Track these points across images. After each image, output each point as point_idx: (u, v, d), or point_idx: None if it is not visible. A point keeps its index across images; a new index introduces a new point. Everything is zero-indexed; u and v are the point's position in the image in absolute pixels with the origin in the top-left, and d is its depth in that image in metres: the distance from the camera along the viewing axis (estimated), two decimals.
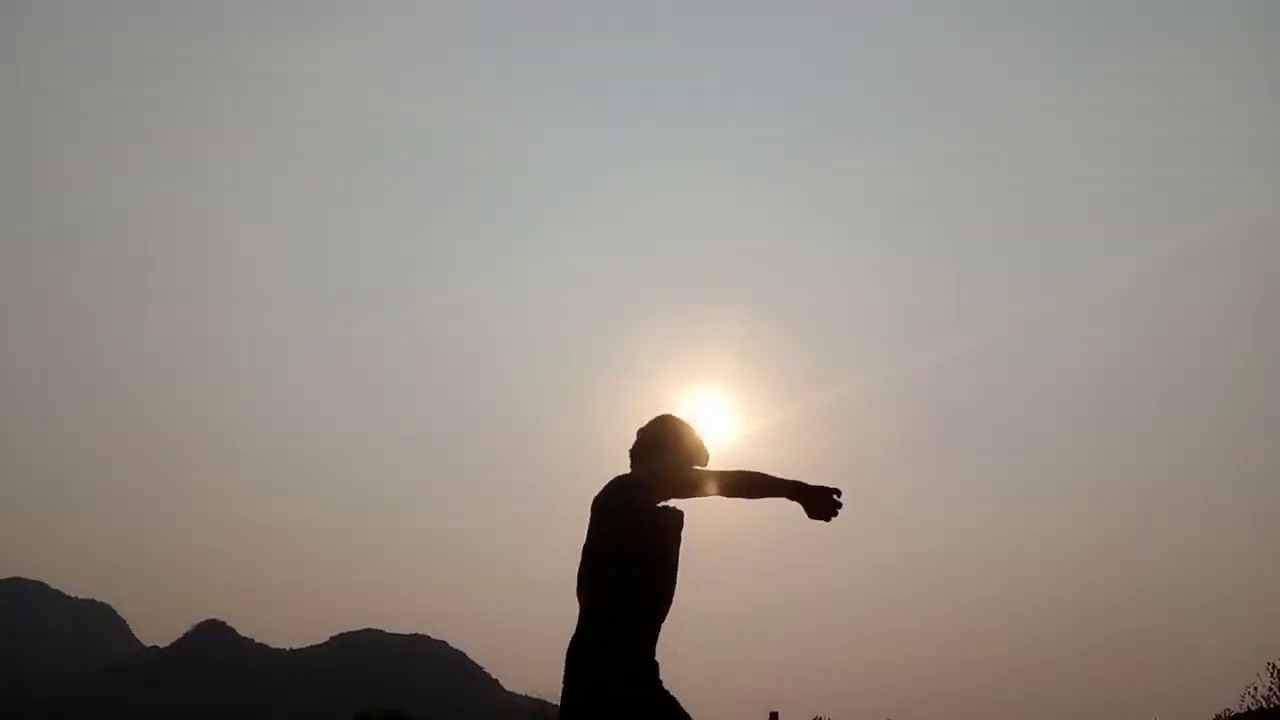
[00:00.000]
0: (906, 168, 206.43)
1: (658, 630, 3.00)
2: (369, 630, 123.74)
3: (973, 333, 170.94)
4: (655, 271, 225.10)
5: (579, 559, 3.01)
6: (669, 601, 3.03)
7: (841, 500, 2.95)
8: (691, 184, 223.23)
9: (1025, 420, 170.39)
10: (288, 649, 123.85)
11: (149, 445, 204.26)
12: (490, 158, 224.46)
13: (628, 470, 3.22)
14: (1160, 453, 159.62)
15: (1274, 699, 13.12)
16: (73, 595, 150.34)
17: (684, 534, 3.18)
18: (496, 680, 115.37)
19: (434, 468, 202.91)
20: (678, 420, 3.27)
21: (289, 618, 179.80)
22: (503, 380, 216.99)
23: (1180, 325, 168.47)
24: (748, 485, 2.96)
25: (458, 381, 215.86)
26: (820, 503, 2.94)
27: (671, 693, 3.02)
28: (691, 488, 2.98)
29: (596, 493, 3.06)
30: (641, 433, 3.25)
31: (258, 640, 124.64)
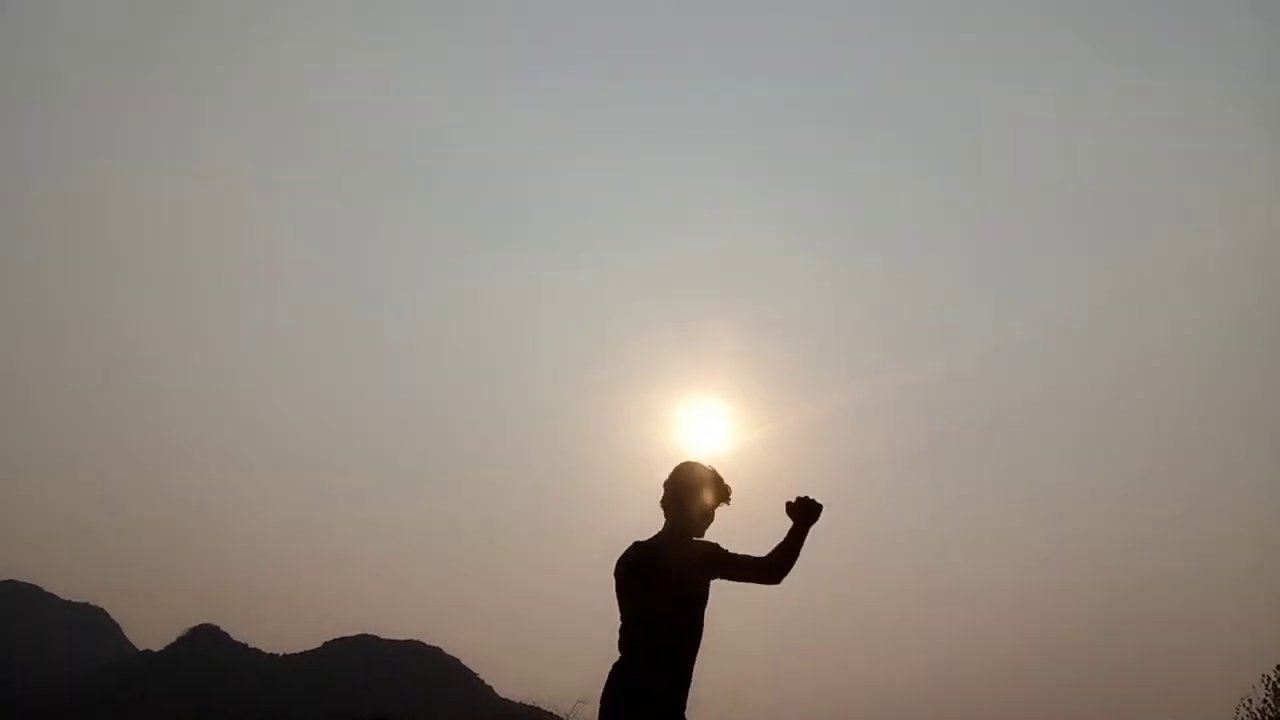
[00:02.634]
0: (905, 177, 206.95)
1: (693, 662, 3.48)
2: (364, 636, 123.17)
3: (973, 341, 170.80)
4: (653, 277, 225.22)
5: (622, 614, 3.49)
6: (699, 641, 3.52)
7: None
8: (690, 192, 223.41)
9: (1025, 429, 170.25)
10: (282, 654, 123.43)
11: (145, 448, 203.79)
12: (490, 165, 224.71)
13: (658, 514, 3.66)
14: (1160, 463, 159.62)
15: (1269, 712, 13.11)
16: (66, 598, 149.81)
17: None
18: (491, 687, 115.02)
19: (431, 474, 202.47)
20: (696, 466, 3.66)
21: (283, 622, 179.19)
22: (501, 388, 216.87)
23: (1183, 334, 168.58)
24: (776, 565, 3.59)
25: (456, 389, 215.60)
26: (808, 509, 3.59)
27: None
28: (748, 572, 3.60)
29: (625, 556, 3.54)
30: (666, 484, 3.66)
31: (252, 645, 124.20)
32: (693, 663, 3.46)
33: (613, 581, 3.55)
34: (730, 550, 3.58)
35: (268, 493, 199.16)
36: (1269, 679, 13.50)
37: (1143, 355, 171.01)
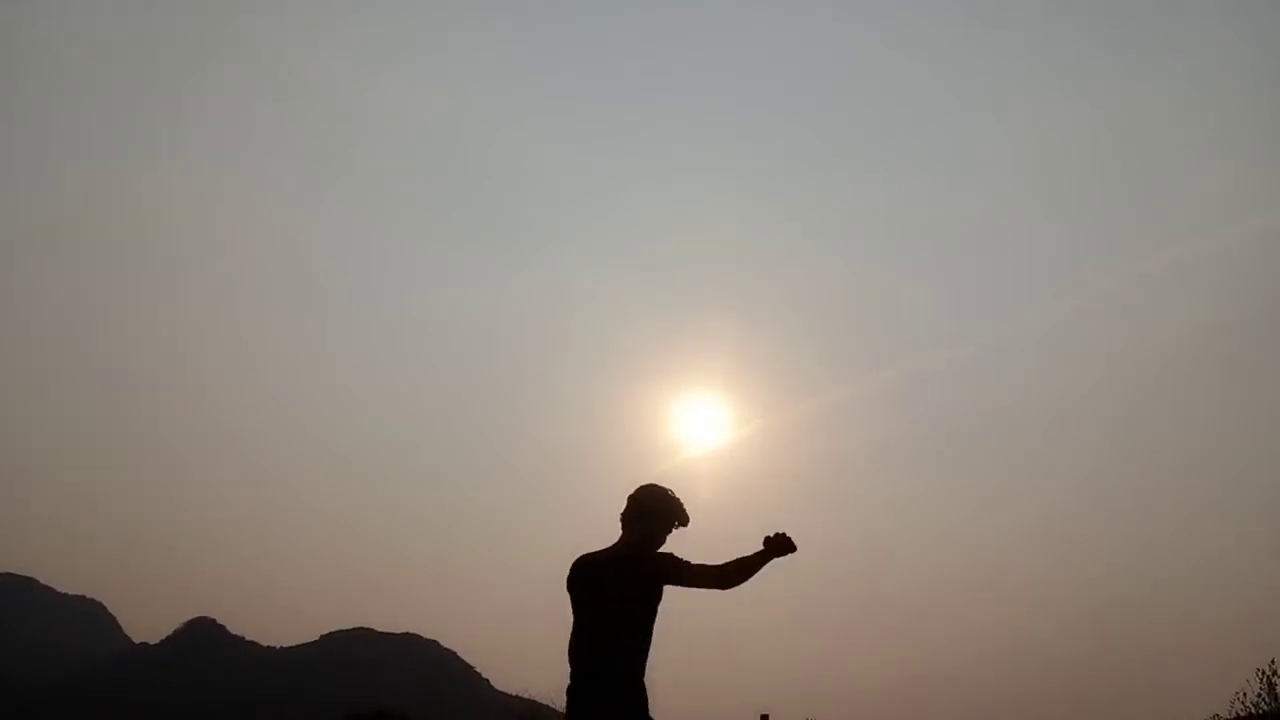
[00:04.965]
0: (903, 174, 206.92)
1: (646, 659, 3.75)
2: (360, 629, 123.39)
3: (968, 341, 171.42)
4: (653, 276, 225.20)
5: (584, 619, 3.73)
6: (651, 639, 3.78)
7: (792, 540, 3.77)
8: (689, 190, 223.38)
9: (1018, 429, 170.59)
10: (279, 647, 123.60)
11: (142, 441, 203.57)
12: (488, 160, 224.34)
13: (617, 525, 3.88)
14: (1152, 464, 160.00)
15: (1263, 705, 13.16)
16: (63, 591, 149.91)
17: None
18: (487, 680, 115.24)
19: (427, 467, 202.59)
20: (659, 489, 3.91)
21: (280, 616, 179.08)
22: (497, 381, 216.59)
23: (1174, 337, 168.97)
24: (728, 575, 3.74)
25: (452, 382, 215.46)
26: (782, 546, 3.75)
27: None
28: (697, 579, 3.77)
29: (579, 564, 3.79)
30: (631, 499, 3.90)
31: (248, 638, 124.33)
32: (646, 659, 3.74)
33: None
34: (685, 560, 3.80)
35: (265, 486, 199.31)
36: (1263, 672, 13.53)
37: (1140, 355, 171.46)
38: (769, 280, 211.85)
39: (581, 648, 3.71)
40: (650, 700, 3.69)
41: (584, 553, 3.85)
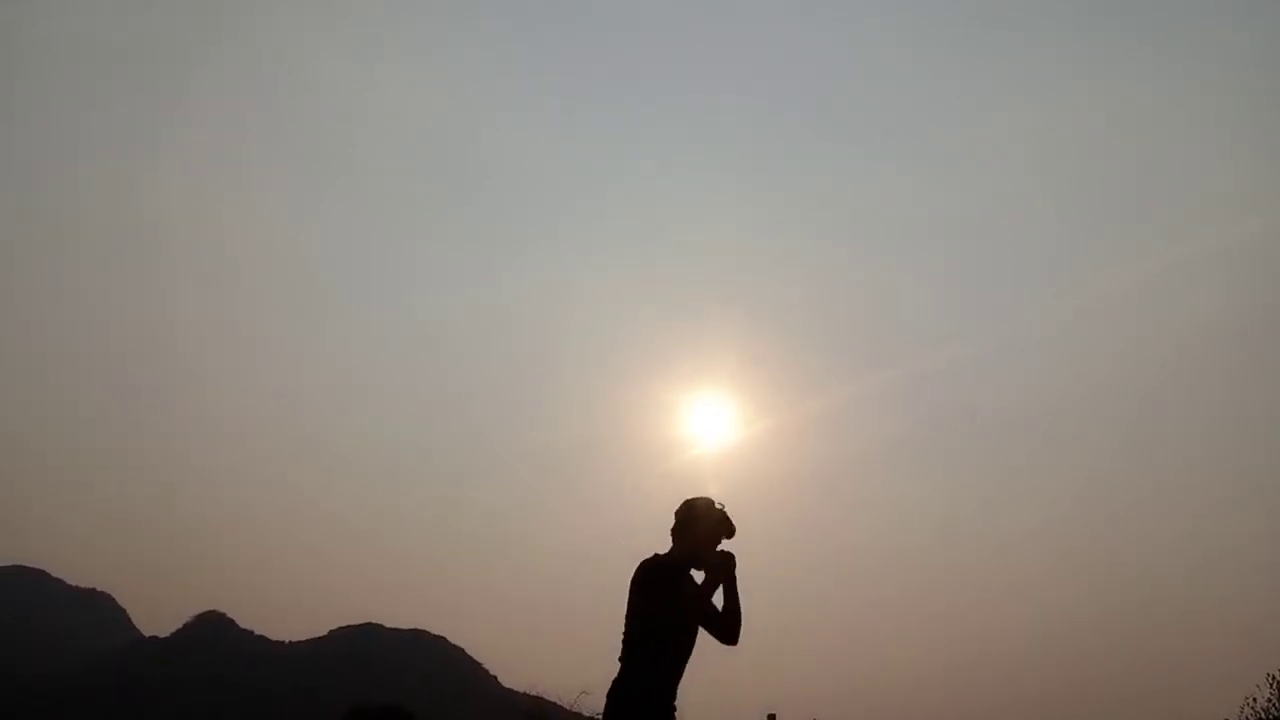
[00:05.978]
0: (907, 172, 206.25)
1: (682, 667, 3.73)
2: (368, 625, 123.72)
3: (970, 340, 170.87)
4: (653, 274, 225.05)
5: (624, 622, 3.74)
6: (691, 646, 3.76)
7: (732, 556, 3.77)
8: (692, 187, 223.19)
9: (1025, 428, 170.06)
10: (287, 641, 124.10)
11: (152, 435, 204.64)
12: (490, 158, 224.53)
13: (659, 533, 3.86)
14: (1157, 464, 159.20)
15: (1273, 710, 13.05)
16: (74, 584, 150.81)
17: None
18: (495, 676, 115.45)
19: (433, 465, 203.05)
20: (696, 501, 3.86)
21: (289, 611, 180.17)
22: (503, 379, 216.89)
23: (1180, 336, 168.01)
24: (733, 626, 3.76)
25: (458, 380, 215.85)
26: (722, 566, 3.74)
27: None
28: (698, 617, 3.78)
29: (641, 560, 3.75)
30: (676, 514, 3.89)
31: (258, 632, 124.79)
32: (679, 666, 3.72)
33: (628, 580, 3.80)
34: (693, 593, 3.77)
35: (273, 483, 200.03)
36: (1273, 677, 13.41)
37: (1141, 354, 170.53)
38: (771, 279, 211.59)
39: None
40: (656, 712, 3.64)
41: (655, 552, 3.90)
